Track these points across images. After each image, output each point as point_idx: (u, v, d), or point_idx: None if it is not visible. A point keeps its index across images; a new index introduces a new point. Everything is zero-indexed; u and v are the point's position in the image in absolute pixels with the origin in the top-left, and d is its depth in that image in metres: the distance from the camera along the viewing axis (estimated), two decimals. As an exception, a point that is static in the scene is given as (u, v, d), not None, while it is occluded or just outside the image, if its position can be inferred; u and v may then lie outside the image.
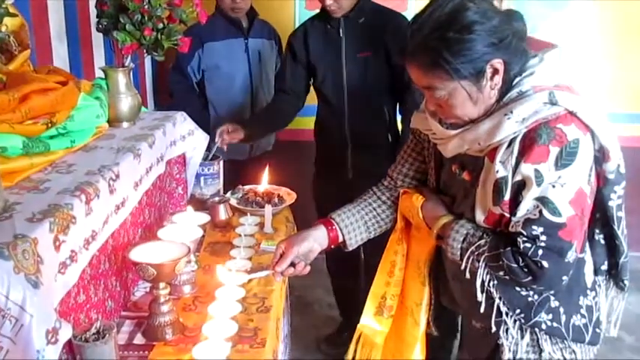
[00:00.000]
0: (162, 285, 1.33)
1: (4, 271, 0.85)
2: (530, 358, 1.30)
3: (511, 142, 1.15)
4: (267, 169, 2.20)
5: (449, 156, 1.31)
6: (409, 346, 1.53)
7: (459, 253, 1.25)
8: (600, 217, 1.28)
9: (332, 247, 1.48)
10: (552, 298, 1.26)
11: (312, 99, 2.48)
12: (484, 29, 1.10)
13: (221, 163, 2.16)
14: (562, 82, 1.20)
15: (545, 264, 1.14)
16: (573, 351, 1.29)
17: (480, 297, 1.26)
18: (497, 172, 1.16)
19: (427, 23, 1.13)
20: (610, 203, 1.24)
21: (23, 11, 1.54)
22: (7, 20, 1.37)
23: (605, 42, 3.26)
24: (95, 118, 1.49)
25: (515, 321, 1.28)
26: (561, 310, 1.27)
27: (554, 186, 1.12)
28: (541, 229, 1.13)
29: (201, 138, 2.05)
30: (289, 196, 2.12)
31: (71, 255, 1.07)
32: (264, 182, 2.17)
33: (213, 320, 1.35)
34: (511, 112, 1.14)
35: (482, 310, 1.27)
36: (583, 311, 1.30)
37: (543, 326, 1.27)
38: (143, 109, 1.82)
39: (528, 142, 1.13)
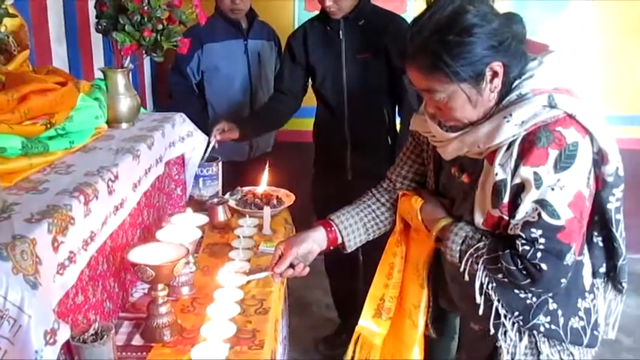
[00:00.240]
0: (160, 286, 1.32)
1: (3, 272, 0.84)
2: (529, 361, 1.30)
3: (510, 145, 1.15)
4: (266, 170, 2.20)
5: (448, 158, 1.31)
6: (407, 348, 1.53)
7: (457, 255, 1.25)
8: (599, 220, 1.28)
9: (331, 248, 1.48)
10: (551, 300, 1.26)
11: (311, 100, 2.48)
12: (484, 32, 1.11)
13: (220, 164, 2.16)
14: (561, 85, 1.20)
15: (543, 266, 1.14)
16: (571, 353, 1.29)
17: (479, 299, 1.26)
18: (497, 174, 1.16)
19: (427, 26, 1.13)
20: (609, 206, 1.24)
21: (23, 11, 1.54)
22: (6, 20, 1.37)
23: (602, 44, 3.26)
24: (94, 119, 1.49)
25: (513, 323, 1.28)
26: (559, 312, 1.27)
27: (553, 189, 1.12)
28: (540, 232, 1.13)
29: (200, 139, 2.05)
30: (288, 198, 2.12)
31: (70, 256, 1.07)
32: (264, 184, 2.17)
33: (211, 322, 1.35)
34: (510, 114, 1.14)
35: (480, 312, 1.27)
36: (581, 314, 1.30)
37: (542, 329, 1.27)
38: (142, 110, 1.82)
39: (527, 145, 1.13)
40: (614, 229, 1.27)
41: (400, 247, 1.52)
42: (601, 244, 1.32)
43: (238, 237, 1.82)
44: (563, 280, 1.18)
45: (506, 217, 1.18)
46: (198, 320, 1.39)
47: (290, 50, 2.39)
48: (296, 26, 2.91)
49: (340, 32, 2.24)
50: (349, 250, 1.50)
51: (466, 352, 1.53)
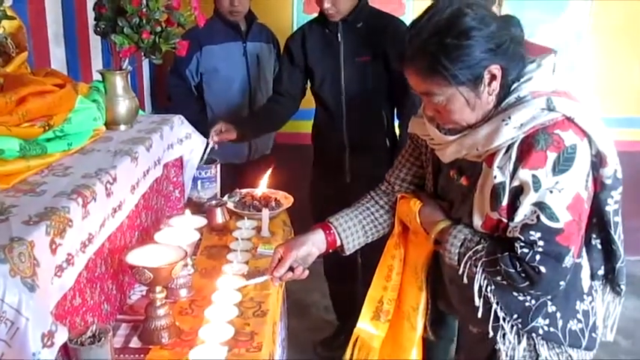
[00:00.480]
0: (158, 288, 1.32)
1: (0, 275, 0.84)
2: (527, 363, 1.30)
3: (509, 148, 1.16)
4: (268, 173, 2.19)
5: (447, 161, 1.31)
6: (406, 350, 1.52)
7: (456, 258, 1.25)
8: (597, 222, 1.28)
9: (330, 251, 1.48)
10: (549, 303, 1.26)
11: (310, 103, 2.48)
12: (482, 35, 1.11)
13: (218, 166, 2.16)
14: (559, 88, 1.21)
15: (542, 269, 1.14)
16: (570, 356, 1.30)
17: (478, 302, 1.26)
18: (495, 177, 1.16)
19: (425, 29, 1.13)
20: (607, 208, 1.25)
21: (21, 13, 1.53)
22: (4, 22, 1.37)
23: (600, 47, 3.27)
24: (92, 121, 1.49)
25: (512, 326, 1.28)
26: (558, 315, 1.27)
27: (551, 191, 1.12)
28: (538, 235, 1.13)
29: (199, 141, 2.05)
30: (286, 200, 2.11)
31: (67, 258, 1.06)
32: (263, 186, 2.17)
33: (209, 324, 1.35)
34: (509, 117, 1.14)
35: (479, 314, 1.27)
36: (580, 316, 1.30)
37: (540, 331, 1.27)
38: (140, 112, 1.82)
39: (526, 148, 1.13)
40: (612, 232, 1.27)
41: (399, 250, 1.52)
42: (599, 246, 1.32)
43: (237, 239, 1.82)
44: (561, 283, 1.19)
45: (504, 220, 1.18)
46: (197, 322, 1.39)
47: (289, 53, 2.40)
48: (294, 29, 2.91)
49: (338, 35, 2.25)
50: (348, 253, 1.50)
51: (465, 355, 1.53)
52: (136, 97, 1.73)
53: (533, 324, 1.27)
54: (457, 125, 1.23)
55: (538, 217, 1.13)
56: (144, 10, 1.57)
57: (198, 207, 1.99)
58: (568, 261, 1.15)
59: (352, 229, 1.47)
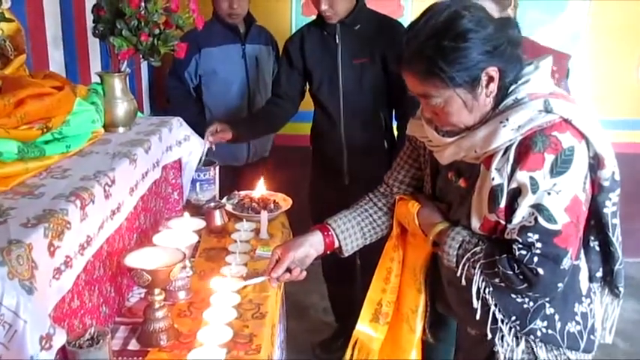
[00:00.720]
0: (157, 291, 1.32)
1: (-2, 277, 0.84)
2: (526, 365, 1.30)
3: (507, 150, 1.16)
4: (262, 179, 2.19)
5: (445, 163, 1.31)
6: (405, 352, 1.52)
7: (454, 260, 1.26)
8: (595, 224, 1.29)
9: (328, 252, 1.48)
10: (547, 305, 1.26)
11: (309, 105, 2.48)
12: (479, 37, 1.11)
13: (217, 168, 2.16)
14: (557, 90, 1.21)
15: (540, 271, 1.14)
16: (568, 358, 1.30)
17: (476, 304, 1.26)
18: (493, 179, 1.17)
19: (423, 31, 1.14)
20: (605, 210, 1.25)
21: (19, 16, 1.54)
22: (3, 25, 1.37)
23: (598, 48, 3.27)
24: (91, 123, 1.49)
25: (510, 328, 1.28)
26: (556, 317, 1.27)
27: (549, 193, 1.13)
28: (536, 237, 1.13)
29: (197, 143, 2.05)
30: (285, 202, 2.11)
31: (66, 260, 1.06)
32: (259, 190, 2.17)
33: (208, 326, 1.35)
34: (507, 119, 1.15)
35: (477, 317, 1.28)
36: (578, 318, 1.30)
37: (538, 333, 1.27)
38: (139, 114, 1.82)
39: (524, 150, 1.14)
40: (610, 234, 1.28)
41: (397, 252, 1.52)
42: (597, 248, 1.32)
43: (235, 241, 1.82)
44: (559, 285, 1.19)
45: (502, 222, 1.19)
46: (195, 325, 1.39)
47: (287, 55, 2.40)
48: (293, 31, 2.92)
49: (336, 37, 2.25)
50: (346, 255, 1.50)
51: (463, 357, 1.53)
52: (134, 99, 1.73)
53: (531, 326, 1.27)
54: (455, 127, 1.23)
55: (536, 219, 1.13)
56: (142, 12, 1.57)
57: (196, 209, 1.99)
58: (566, 263, 1.16)
59: (350, 231, 1.47)
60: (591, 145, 1.16)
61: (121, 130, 1.68)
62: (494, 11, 1.72)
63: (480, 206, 1.21)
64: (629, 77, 3.35)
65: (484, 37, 1.12)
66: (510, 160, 1.15)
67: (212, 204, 1.98)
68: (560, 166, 1.12)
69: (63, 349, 1.06)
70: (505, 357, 1.30)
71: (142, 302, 1.47)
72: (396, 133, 2.43)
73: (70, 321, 1.16)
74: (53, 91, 1.34)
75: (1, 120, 1.17)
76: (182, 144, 1.96)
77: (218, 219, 1.93)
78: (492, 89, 1.17)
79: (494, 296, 1.26)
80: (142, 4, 1.57)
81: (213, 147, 2.26)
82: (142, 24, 1.58)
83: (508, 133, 1.14)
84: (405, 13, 3.16)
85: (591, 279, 1.34)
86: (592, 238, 1.31)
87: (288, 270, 1.40)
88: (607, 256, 1.32)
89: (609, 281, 1.35)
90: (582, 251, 1.31)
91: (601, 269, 1.34)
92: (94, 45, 2.28)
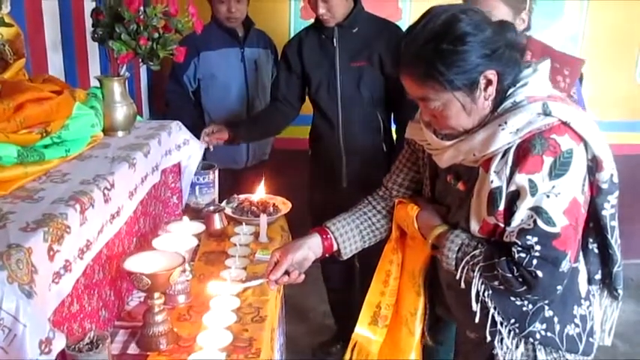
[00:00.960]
0: (156, 295, 1.32)
1: (-2, 281, 0.84)
2: (525, 368, 1.30)
3: (505, 153, 1.16)
4: (262, 183, 2.19)
5: (444, 166, 1.31)
6: (404, 355, 1.52)
7: (453, 262, 1.26)
8: (594, 227, 1.29)
9: (326, 255, 1.48)
10: (547, 307, 1.26)
11: (308, 108, 2.48)
12: (477, 40, 1.11)
13: (216, 172, 2.16)
14: (555, 93, 1.21)
15: (539, 273, 1.14)
16: (567, 361, 1.30)
17: (475, 307, 1.26)
18: (492, 182, 1.17)
19: (421, 34, 1.14)
20: (603, 213, 1.25)
21: (18, 20, 1.54)
22: (2, 29, 1.37)
23: (595, 51, 3.28)
24: (90, 127, 1.49)
25: (509, 331, 1.28)
26: (555, 319, 1.27)
27: (548, 196, 1.13)
28: (535, 239, 1.14)
29: (197, 147, 2.05)
30: (284, 206, 2.11)
31: (65, 265, 1.06)
32: (259, 194, 2.17)
33: (207, 330, 1.35)
34: (505, 122, 1.15)
35: (477, 319, 1.28)
36: (577, 321, 1.30)
37: (537, 336, 1.27)
38: (138, 118, 1.82)
39: (522, 153, 1.14)
40: (609, 236, 1.28)
41: (396, 255, 1.52)
42: (596, 250, 1.32)
43: (235, 245, 1.82)
44: (558, 287, 1.19)
45: (501, 225, 1.19)
46: (195, 329, 1.39)
47: (285, 59, 2.41)
48: (292, 34, 2.93)
49: (334, 40, 2.25)
50: (345, 258, 1.50)
51: (463, 360, 1.53)
52: (133, 103, 1.73)
53: (530, 329, 1.27)
54: (454, 130, 1.23)
55: (535, 222, 1.13)
56: (141, 16, 1.58)
57: (196, 213, 1.99)
58: (565, 265, 1.16)
59: (349, 234, 1.48)
60: (590, 148, 1.17)
61: (120, 134, 1.68)
62: (507, 16, 1.71)
63: (479, 209, 1.21)
64: (627, 79, 3.36)
65: (482, 41, 1.12)
66: (509, 163, 1.16)
67: (211, 207, 1.98)
68: (558, 169, 1.12)
69: (62, 353, 1.06)
70: (504, 360, 1.30)
71: (142, 306, 1.47)
72: (394, 136, 2.43)
73: (70, 325, 1.16)
74: (52, 95, 1.34)
75: (1, 124, 1.17)
76: (181, 148, 1.96)
77: (217, 222, 1.93)
78: (491, 92, 1.17)
79: (494, 299, 1.26)
80: (141, 8, 1.58)
81: (211, 147, 2.26)
82: (141, 28, 1.58)
83: (507, 136, 1.14)
84: (403, 16, 3.17)
85: (590, 281, 1.35)
86: (591, 240, 1.31)
87: (287, 273, 1.40)
88: (606, 258, 1.32)
89: (608, 283, 1.36)
90: (581, 254, 1.32)
91: (600, 271, 1.34)
92: (93, 49, 2.28)
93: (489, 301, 1.26)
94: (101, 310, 1.35)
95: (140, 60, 1.65)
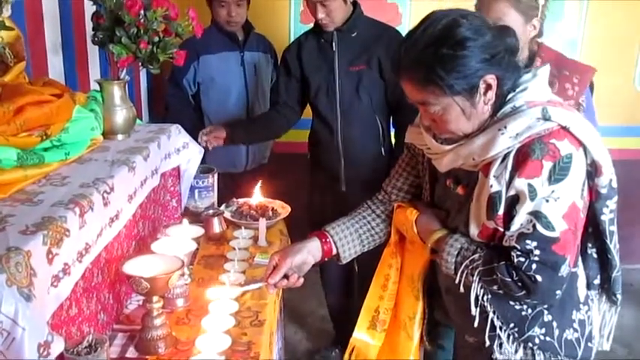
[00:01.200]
0: (155, 298, 1.32)
1: (-3, 284, 0.84)
2: (524, 373, 1.30)
3: (505, 157, 1.16)
4: (258, 186, 2.19)
5: (443, 171, 1.31)
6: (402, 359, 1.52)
7: (453, 267, 1.26)
8: (593, 232, 1.29)
9: (325, 259, 1.48)
10: (546, 312, 1.26)
11: (307, 112, 2.49)
12: (477, 45, 1.12)
13: (215, 175, 2.16)
14: (554, 98, 1.22)
15: (538, 278, 1.14)
16: (566, 366, 1.30)
17: (474, 311, 1.26)
18: (491, 186, 1.17)
19: (421, 39, 1.14)
20: (602, 217, 1.25)
21: (19, 23, 1.54)
22: (2, 32, 1.37)
23: (595, 55, 3.28)
24: (90, 131, 1.49)
25: (509, 335, 1.28)
26: (554, 324, 1.27)
27: (547, 200, 1.13)
28: (535, 244, 1.14)
29: (196, 151, 2.05)
30: (283, 209, 2.11)
31: (64, 268, 1.06)
32: (256, 198, 2.17)
33: (206, 334, 1.35)
34: (505, 127, 1.15)
35: (476, 324, 1.28)
36: (576, 325, 1.30)
37: (536, 340, 1.27)
38: (138, 121, 1.82)
39: (522, 157, 1.14)
40: (608, 241, 1.28)
41: (395, 259, 1.52)
42: (595, 255, 1.33)
43: (234, 249, 1.82)
44: (558, 292, 1.19)
45: (501, 229, 1.19)
46: (193, 332, 1.39)
47: (285, 63, 2.41)
48: (292, 39, 2.93)
49: (333, 44, 2.26)
50: (344, 262, 1.50)
51: (462, 364, 1.53)
52: (133, 106, 1.73)
53: (529, 333, 1.27)
54: (453, 135, 1.23)
55: (534, 226, 1.13)
56: (142, 20, 1.58)
57: (195, 216, 1.99)
58: (564, 270, 1.16)
59: (348, 238, 1.48)
60: (589, 153, 1.17)
61: (119, 137, 1.68)
62: (518, 23, 1.71)
63: (479, 213, 1.21)
64: (626, 84, 3.37)
65: (482, 45, 1.12)
66: (508, 168, 1.16)
67: (210, 211, 1.98)
68: (558, 174, 1.13)
69: (61, 356, 1.06)
70: (503, 364, 1.30)
71: (140, 310, 1.47)
72: (393, 140, 2.44)
73: (68, 328, 1.16)
74: (52, 98, 1.34)
75: (1, 127, 1.17)
76: (181, 151, 1.96)
77: (216, 226, 1.93)
78: (490, 97, 1.17)
79: (493, 303, 1.26)
80: (142, 12, 1.58)
81: (210, 147, 2.26)
82: (142, 32, 1.58)
83: (506, 141, 1.15)
84: (403, 21, 3.17)
85: (589, 286, 1.35)
86: (590, 245, 1.31)
87: (286, 276, 1.40)
88: (604, 263, 1.32)
89: (607, 288, 1.36)
90: (580, 258, 1.32)
91: (599, 276, 1.35)
92: (93, 52, 2.28)
93: (488, 306, 1.26)
94: (100, 314, 1.35)
95: (140, 63, 1.65)
